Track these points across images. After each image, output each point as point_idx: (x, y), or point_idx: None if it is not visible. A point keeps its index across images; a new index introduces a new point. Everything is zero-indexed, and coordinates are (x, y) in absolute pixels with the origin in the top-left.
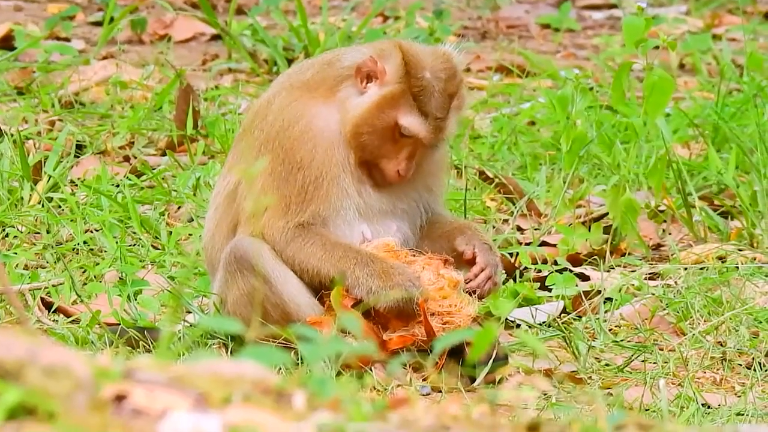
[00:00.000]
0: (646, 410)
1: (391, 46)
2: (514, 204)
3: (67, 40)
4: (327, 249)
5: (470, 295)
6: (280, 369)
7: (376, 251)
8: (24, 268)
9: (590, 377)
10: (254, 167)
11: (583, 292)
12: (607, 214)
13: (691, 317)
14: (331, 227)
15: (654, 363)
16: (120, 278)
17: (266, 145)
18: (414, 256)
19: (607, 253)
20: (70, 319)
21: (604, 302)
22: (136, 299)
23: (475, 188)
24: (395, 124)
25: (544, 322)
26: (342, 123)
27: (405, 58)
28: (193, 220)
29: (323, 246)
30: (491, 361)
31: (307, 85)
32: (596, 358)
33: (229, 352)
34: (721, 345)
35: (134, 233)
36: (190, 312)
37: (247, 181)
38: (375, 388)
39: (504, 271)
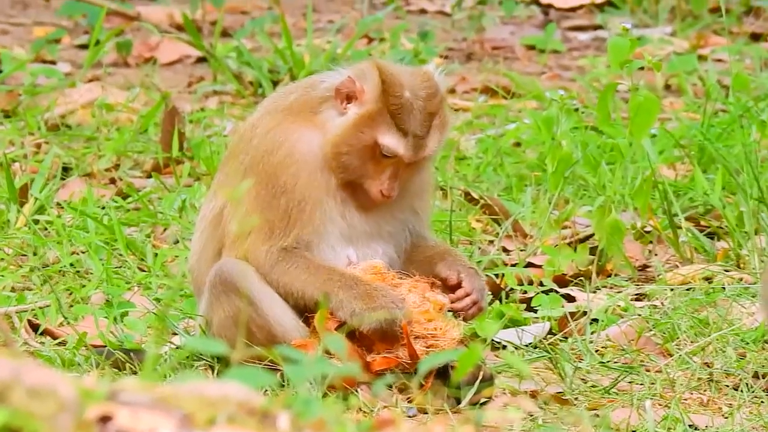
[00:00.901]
0: (633, 431)
1: (369, 65)
2: (499, 225)
3: (53, 63)
4: (311, 272)
5: (455, 316)
6: (266, 390)
7: (362, 274)
8: (11, 291)
9: (576, 398)
10: (239, 191)
11: (569, 313)
12: (593, 235)
13: (677, 338)
14: (316, 251)
15: (640, 384)
16: (106, 300)
17: (251, 169)
18: (401, 278)
19: (593, 274)
20: (57, 341)
21: (591, 323)
22: (122, 321)
23: (460, 209)
24: (375, 144)
25: (530, 344)
26: (323, 145)
27: (382, 77)
28: (179, 242)
29: (307, 269)
30: (477, 382)
31: (290, 109)
32: (582, 379)
33: (215, 374)
34: (708, 366)
35: (120, 255)
36: (176, 334)
37: (232, 204)
38: (361, 410)
39: (490, 294)
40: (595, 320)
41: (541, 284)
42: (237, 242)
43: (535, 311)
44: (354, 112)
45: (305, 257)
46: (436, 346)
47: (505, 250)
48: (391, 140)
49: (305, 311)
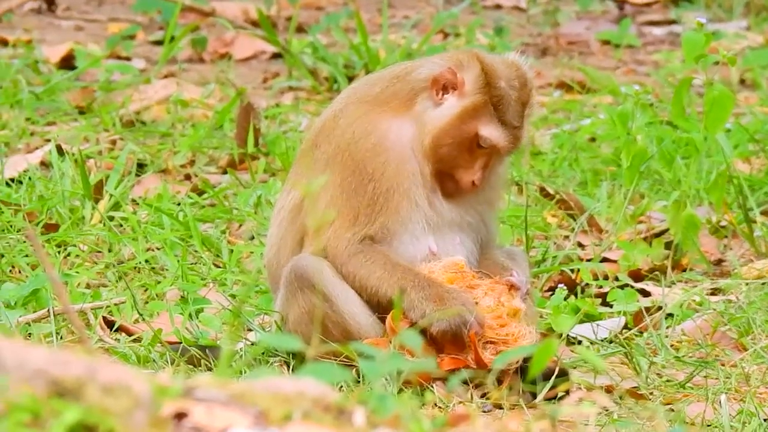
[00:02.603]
0: (708, 426)
1: (469, 56)
2: (575, 220)
3: (128, 59)
4: (387, 269)
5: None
6: (341, 386)
7: (443, 271)
8: (86, 287)
9: (651, 393)
10: (320, 180)
11: (645, 307)
12: (668, 229)
13: (752, 332)
14: (397, 242)
15: (716, 378)
16: (181, 297)
17: (335, 158)
18: (480, 279)
19: (669, 269)
20: (132, 337)
21: (666, 318)
22: (197, 317)
23: (536, 204)
24: (475, 135)
25: (605, 338)
26: (418, 136)
27: (484, 69)
28: (254, 238)
29: (383, 265)
30: (553, 377)
31: (377, 100)
32: (658, 374)
33: (290, 370)
34: None
35: (195, 251)
36: (251, 330)
37: (313, 194)
38: (436, 405)
39: (565, 289)
40: (671, 315)
41: (616, 279)
42: (319, 230)
43: (611, 306)
44: (454, 103)
45: (383, 253)
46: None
47: (580, 245)
48: (492, 132)
49: (378, 307)
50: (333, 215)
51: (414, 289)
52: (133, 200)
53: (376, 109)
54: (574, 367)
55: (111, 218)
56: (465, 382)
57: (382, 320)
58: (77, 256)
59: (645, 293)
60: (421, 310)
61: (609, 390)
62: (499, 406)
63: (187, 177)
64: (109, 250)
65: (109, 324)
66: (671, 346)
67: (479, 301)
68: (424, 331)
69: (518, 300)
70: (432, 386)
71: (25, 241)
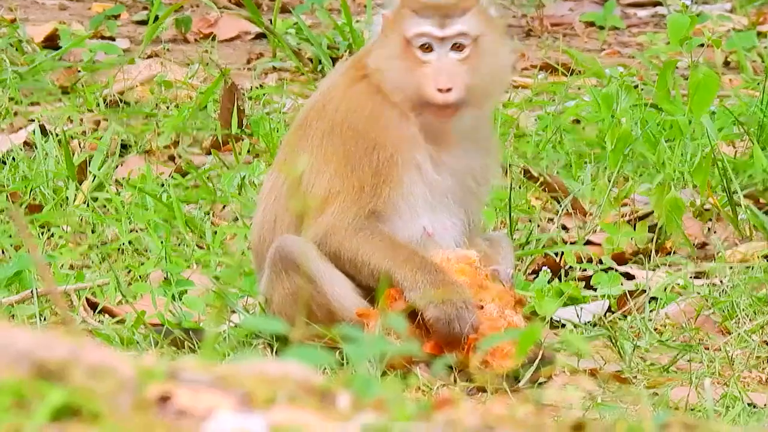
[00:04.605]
0: (692, 410)
1: None
2: (559, 203)
3: (112, 39)
4: (395, 247)
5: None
6: (325, 369)
7: (455, 260)
8: (69, 268)
9: (635, 377)
10: (315, 158)
11: (629, 291)
12: (652, 212)
13: (736, 316)
14: (398, 217)
15: (699, 362)
16: (165, 278)
17: (333, 132)
18: (491, 282)
19: (653, 252)
20: (116, 319)
21: (650, 301)
22: (181, 299)
23: (520, 187)
24: (406, 41)
25: (589, 322)
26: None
27: None
28: (238, 219)
29: (392, 244)
30: (537, 361)
31: (366, 77)
32: (641, 357)
33: (274, 353)
34: (767, 344)
35: (179, 233)
36: (235, 312)
37: (314, 170)
38: (420, 389)
39: (549, 272)
40: (654, 298)
41: (600, 262)
42: (322, 206)
43: (594, 289)
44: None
45: (390, 233)
46: (490, 365)
47: (564, 227)
48: (415, 25)
49: (373, 288)
50: (337, 188)
51: (420, 271)
52: (117, 181)
53: (363, 82)
54: (558, 351)
55: (95, 199)
56: (449, 366)
57: (372, 301)
58: (60, 237)
59: (629, 276)
60: (422, 292)
61: (593, 374)
62: (483, 390)
63: (171, 158)
64: (93, 231)
65: (93, 305)
66: (655, 329)
67: (484, 305)
68: (416, 314)
69: (520, 317)
70: (416, 369)
71: (8, 222)
